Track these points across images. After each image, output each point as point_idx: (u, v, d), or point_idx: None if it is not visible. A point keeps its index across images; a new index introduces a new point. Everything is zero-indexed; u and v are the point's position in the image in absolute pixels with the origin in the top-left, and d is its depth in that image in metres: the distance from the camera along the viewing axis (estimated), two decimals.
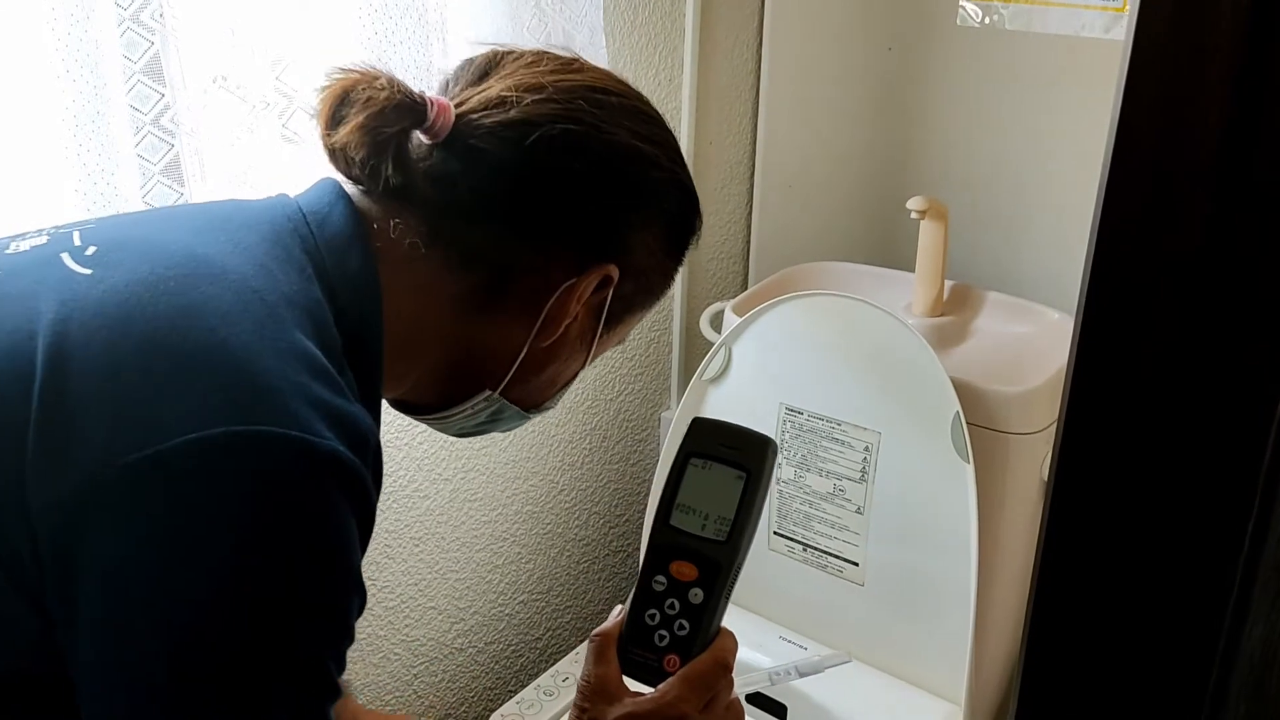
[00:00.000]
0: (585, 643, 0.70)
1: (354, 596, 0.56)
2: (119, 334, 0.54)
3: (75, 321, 0.55)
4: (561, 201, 0.67)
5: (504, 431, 0.79)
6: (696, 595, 0.68)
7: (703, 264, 1.59)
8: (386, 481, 1.28)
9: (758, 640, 1.30)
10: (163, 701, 0.51)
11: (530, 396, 0.74)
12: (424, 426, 1.24)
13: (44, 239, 0.63)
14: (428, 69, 1.06)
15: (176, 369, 0.53)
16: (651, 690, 0.68)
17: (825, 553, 1.26)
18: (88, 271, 0.58)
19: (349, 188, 0.68)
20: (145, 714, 0.51)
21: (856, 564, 1.24)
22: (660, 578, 0.68)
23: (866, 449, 1.19)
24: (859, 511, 1.22)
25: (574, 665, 1.38)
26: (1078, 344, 0.48)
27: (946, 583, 1.16)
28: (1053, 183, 1.35)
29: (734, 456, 0.68)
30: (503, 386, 0.71)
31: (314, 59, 0.98)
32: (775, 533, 1.29)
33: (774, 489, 1.28)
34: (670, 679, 0.67)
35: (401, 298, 0.66)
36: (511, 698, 1.34)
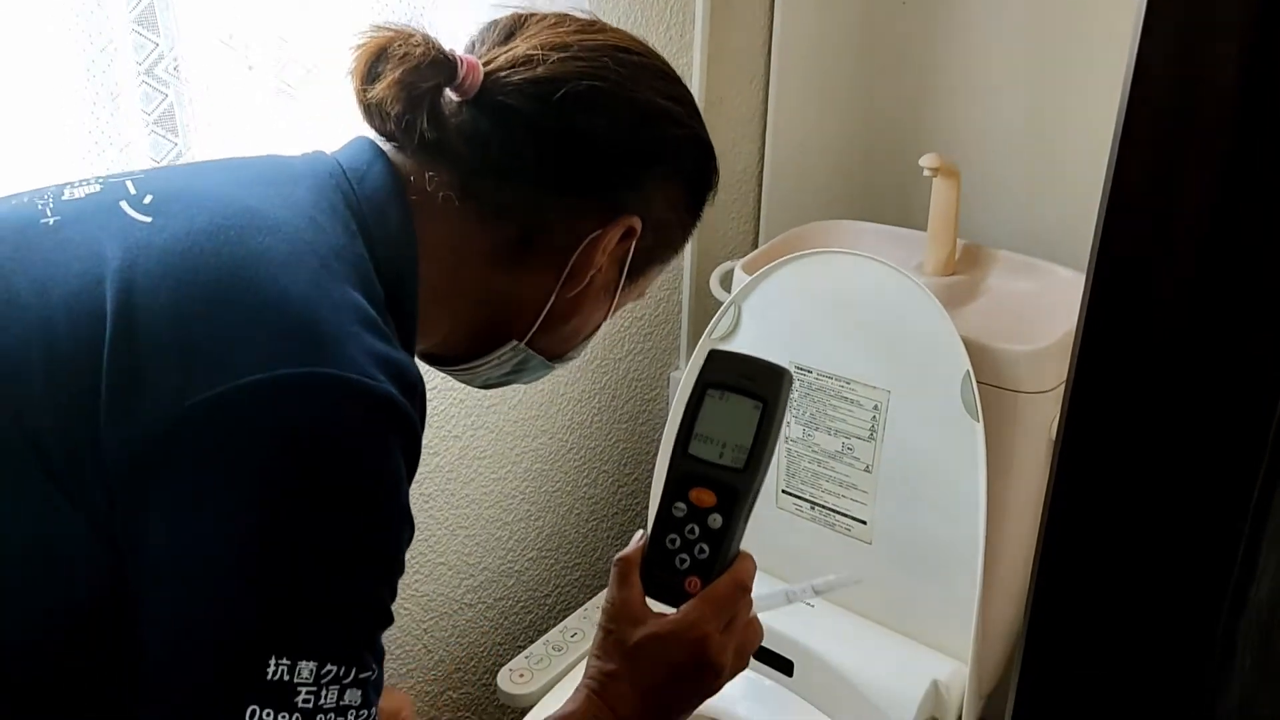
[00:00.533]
0: (593, 599, 0.71)
1: (405, 529, 0.59)
2: (185, 282, 0.57)
3: (140, 269, 0.58)
4: (588, 156, 0.70)
5: (527, 382, 0.82)
6: (716, 520, 0.70)
7: (713, 223, 1.58)
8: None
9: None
10: (225, 632, 0.53)
11: (555, 347, 0.78)
12: (433, 383, 1.24)
13: (97, 187, 0.65)
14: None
15: (242, 316, 0.56)
16: (674, 611, 0.70)
17: (833, 511, 1.26)
18: (147, 219, 0.61)
19: (383, 145, 0.71)
20: (207, 647, 0.53)
21: (864, 522, 1.24)
22: (680, 504, 0.70)
23: (876, 407, 1.19)
24: (867, 470, 1.22)
25: (583, 621, 1.40)
26: (1087, 303, 0.48)
27: (954, 541, 1.16)
28: (1066, 140, 1.33)
29: (750, 387, 0.70)
30: (529, 337, 0.74)
31: (313, 18, 0.98)
32: (783, 491, 1.30)
33: (782, 448, 1.28)
34: (692, 600, 0.69)
35: (436, 251, 0.69)
36: (520, 653, 1.36)
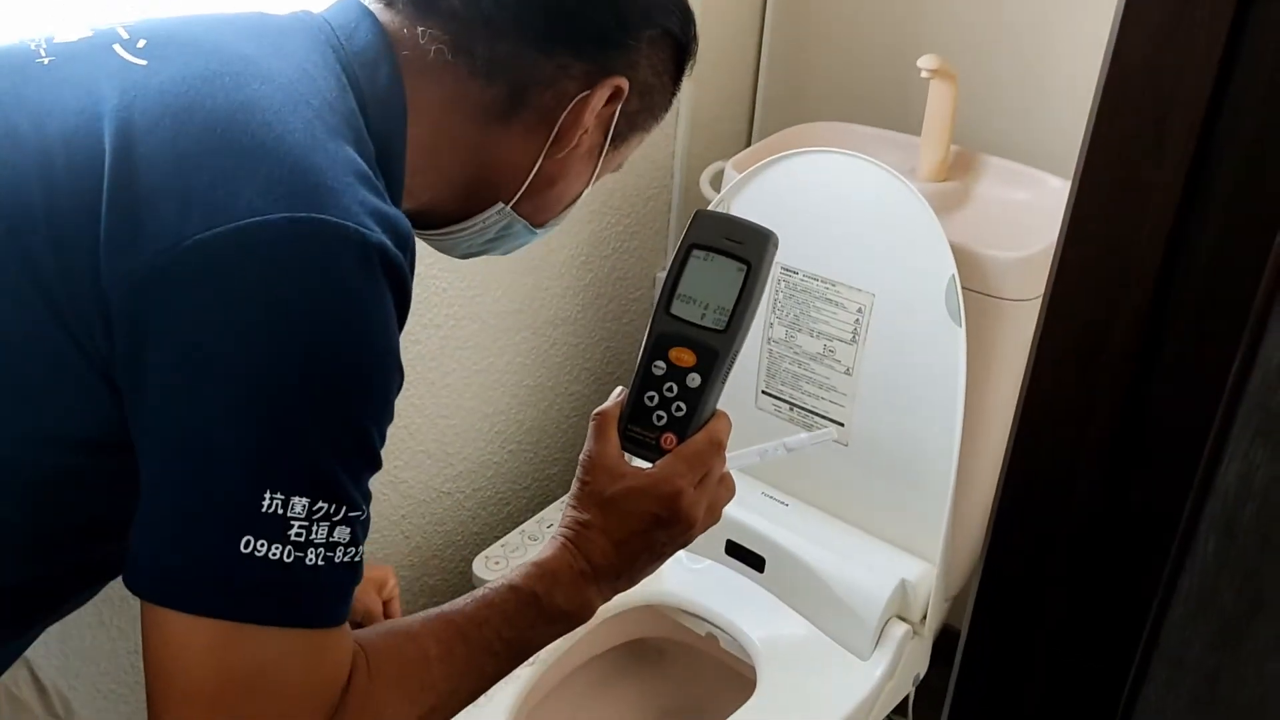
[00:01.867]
0: (569, 493, 0.73)
1: (395, 373, 0.60)
2: (181, 122, 0.58)
3: (138, 109, 0.58)
4: (578, 15, 0.70)
5: (505, 252, 0.83)
6: (694, 380, 0.71)
7: (706, 122, 1.56)
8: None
9: (740, 496, 1.32)
10: (222, 463, 0.54)
11: (538, 212, 0.78)
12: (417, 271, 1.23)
13: (89, 32, 0.65)
14: None
15: (239, 159, 0.57)
16: (649, 466, 0.72)
17: (812, 413, 1.27)
18: (142, 62, 0.62)
19: (371, 4, 0.71)
20: (206, 480, 0.55)
21: (842, 424, 1.25)
22: (660, 362, 0.71)
23: (859, 310, 1.19)
24: (848, 373, 1.22)
25: (559, 514, 1.41)
26: (1071, 211, 0.48)
27: (930, 446, 1.18)
28: (1063, 48, 1.31)
29: (735, 249, 0.71)
30: (516, 199, 0.75)
31: None
32: (763, 392, 1.30)
33: (763, 348, 1.28)
34: (667, 455, 0.71)
35: (426, 109, 0.69)
36: (496, 541, 1.38)
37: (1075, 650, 0.54)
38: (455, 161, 0.73)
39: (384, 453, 0.61)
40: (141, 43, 0.63)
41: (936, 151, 1.26)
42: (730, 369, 0.71)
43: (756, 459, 0.79)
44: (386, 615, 0.94)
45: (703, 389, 0.70)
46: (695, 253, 0.71)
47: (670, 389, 0.71)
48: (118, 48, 0.63)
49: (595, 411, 0.73)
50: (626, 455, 0.72)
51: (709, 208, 0.77)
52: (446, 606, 0.67)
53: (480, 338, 1.39)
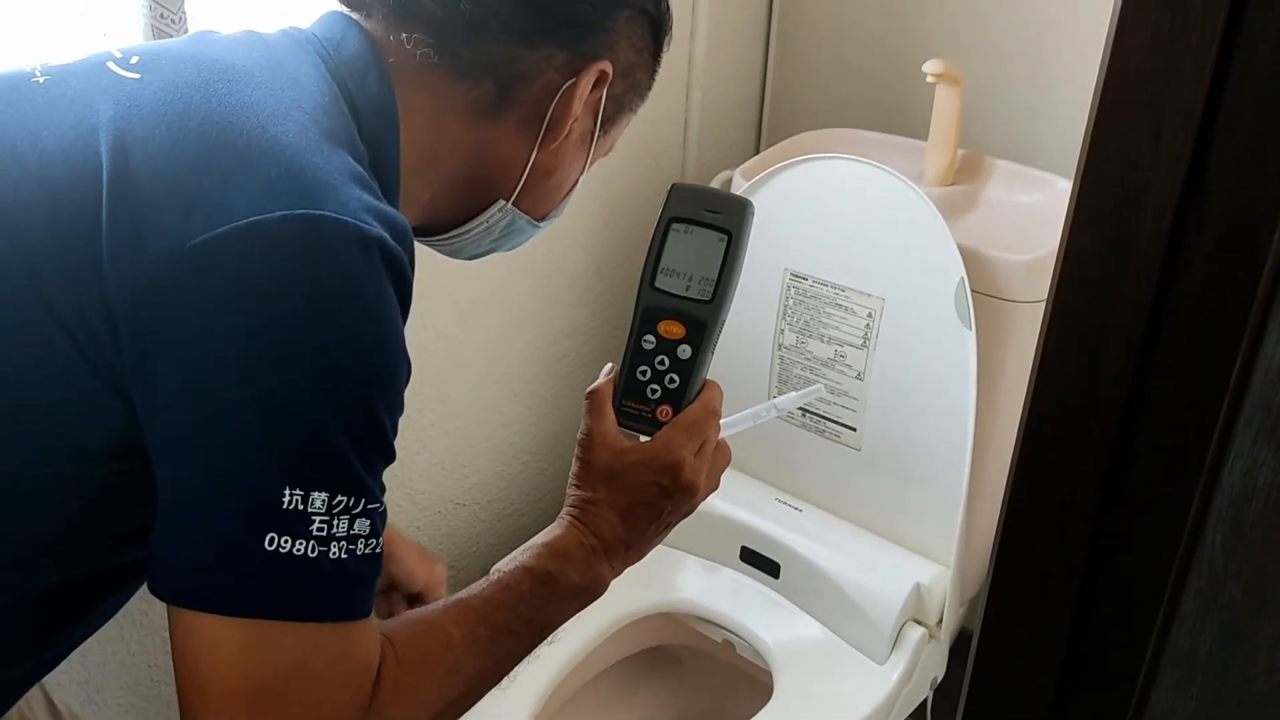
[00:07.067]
0: (571, 472, 0.73)
1: (403, 365, 0.61)
2: (177, 129, 0.59)
3: (133, 119, 0.59)
4: (555, 5, 0.71)
5: (511, 248, 0.84)
6: (685, 351, 0.72)
7: (714, 130, 1.57)
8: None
9: (754, 503, 1.33)
10: (240, 462, 0.55)
11: (538, 205, 0.79)
12: (425, 283, 1.24)
13: (83, 55, 0.66)
14: None
15: (237, 161, 0.57)
16: (647, 439, 0.73)
17: (824, 418, 1.27)
18: (136, 76, 0.63)
19: (353, 15, 0.71)
20: (224, 476, 0.55)
21: (854, 429, 1.25)
22: (649, 336, 0.72)
23: (870, 315, 1.19)
24: (859, 378, 1.22)
25: None
26: (1072, 214, 0.48)
27: (942, 449, 1.18)
28: (1067, 50, 1.31)
29: (715, 220, 0.72)
30: (515, 195, 0.76)
31: None
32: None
33: (775, 354, 1.28)
34: (666, 426, 0.72)
35: (416, 114, 0.70)
36: (511, 553, 1.38)
37: (1087, 648, 0.54)
38: (451, 163, 0.73)
39: (399, 465, 0.61)
40: (134, 59, 0.64)
41: (943, 156, 1.26)
42: (718, 337, 0.72)
43: (750, 423, 0.80)
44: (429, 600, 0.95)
45: (694, 359, 0.72)
46: (675, 226, 0.72)
47: (662, 362, 0.72)
48: (111, 64, 0.64)
49: (589, 390, 0.74)
50: (623, 430, 0.73)
51: (682, 182, 0.78)
52: (463, 593, 0.67)
53: (493, 349, 1.40)
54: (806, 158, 1.21)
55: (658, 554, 1.26)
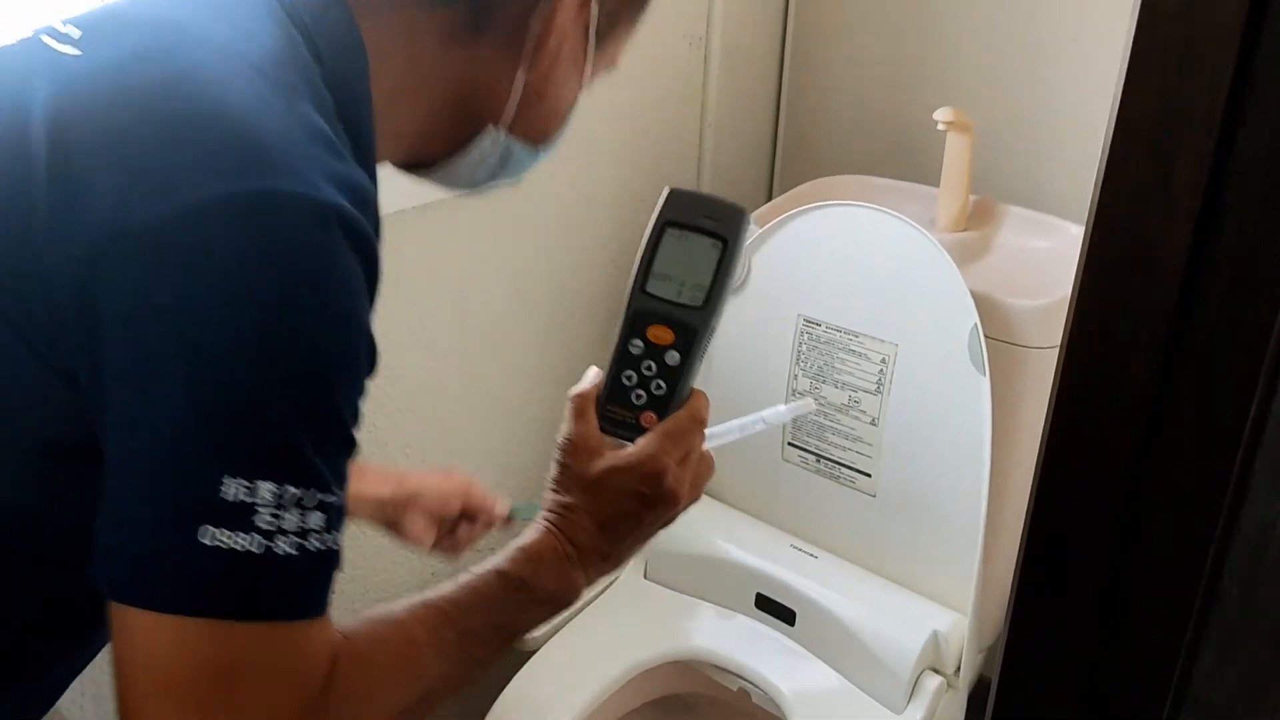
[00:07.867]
0: (549, 476, 0.71)
1: (363, 345, 0.57)
2: (116, 105, 0.55)
3: (70, 97, 0.56)
4: None
5: (515, 177, 0.78)
6: (673, 357, 0.70)
7: (728, 177, 1.58)
8: (387, 379, 1.29)
9: (769, 550, 1.33)
10: (177, 450, 0.52)
11: (536, 130, 0.74)
12: (431, 336, 1.23)
13: (27, 33, 0.63)
14: None
15: (177, 133, 0.54)
16: (630, 445, 0.70)
17: (838, 464, 1.27)
18: (75, 51, 0.59)
19: None
20: (159, 465, 0.52)
21: (869, 475, 1.25)
22: (637, 341, 0.71)
23: (883, 361, 1.19)
24: (873, 424, 1.22)
25: None
26: (1085, 255, 0.49)
27: (958, 495, 1.17)
28: (1078, 96, 1.32)
29: (710, 226, 0.70)
30: (507, 120, 0.71)
31: None
32: (789, 444, 1.30)
33: (789, 400, 1.28)
34: (649, 434, 0.70)
35: (385, 45, 0.65)
36: None
37: (1107, 696, 0.53)
38: (431, 93, 0.68)
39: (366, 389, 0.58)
40: (76, 33, 0.61)
41: (955, 202, 1.27)
42: (708, 346, 0.71)
43: (737, 434, 0.78)
44: (459, 541, 0.95)
45: (682, 366, 0.70)
46: (670, 230, 0.70)
47: (649, 368, 0.70)
48: (49, 39, 0.60)
49: (572, 393, 0.71)
50: (605, 436, 0.71)
51: (679, 187, 0.76)
52: (431, 593, 0.65)
53: (503, 390, 1.40)
54: (819, 204, 1.22)
55: (672, 601, 1.25)
